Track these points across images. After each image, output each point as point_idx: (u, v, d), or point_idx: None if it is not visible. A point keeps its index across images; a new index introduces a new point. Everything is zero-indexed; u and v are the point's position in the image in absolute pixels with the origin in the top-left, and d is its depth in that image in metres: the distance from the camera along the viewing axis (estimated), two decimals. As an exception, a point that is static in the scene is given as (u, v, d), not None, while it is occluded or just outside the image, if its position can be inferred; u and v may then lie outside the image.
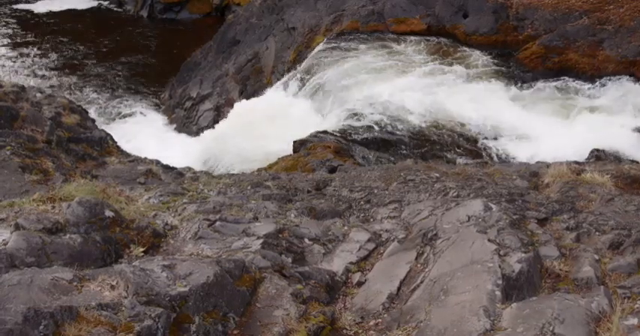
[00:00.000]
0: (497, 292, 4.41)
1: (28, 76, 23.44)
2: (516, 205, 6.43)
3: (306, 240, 5.83)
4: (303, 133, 13.74)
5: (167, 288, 3.88)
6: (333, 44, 17.32)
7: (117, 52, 25.79)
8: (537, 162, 9.87)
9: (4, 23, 29.31)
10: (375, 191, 7.41)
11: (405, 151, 12.96)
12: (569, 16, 15.95)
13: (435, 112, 14.18)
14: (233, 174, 10.30)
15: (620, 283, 4.77)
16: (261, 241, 5.35)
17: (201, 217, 5.79)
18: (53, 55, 25.68)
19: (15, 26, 29.09)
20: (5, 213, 5.09)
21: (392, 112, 14.21)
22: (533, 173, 8.07)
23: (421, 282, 4.92)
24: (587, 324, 3.95)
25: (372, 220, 6.60)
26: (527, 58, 15.78)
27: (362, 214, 6.80)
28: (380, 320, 4.65)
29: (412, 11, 17.67)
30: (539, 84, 15.02)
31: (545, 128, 13.29)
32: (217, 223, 5.68)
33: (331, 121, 14.44)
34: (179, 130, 19.64)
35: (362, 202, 7.14)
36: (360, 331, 4.57)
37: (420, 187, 7.33)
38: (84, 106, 13.72)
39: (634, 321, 3.92)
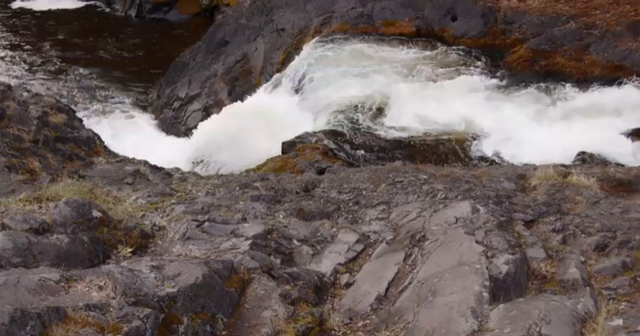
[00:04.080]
0: (485, 294, 4.44)
1: (14, 74, 23.22)
2: (503, 207, 6.47)
3: (295, 241, 5.82)
4: (291, 135, 13.74)
5: (155, 289, 3.87)
6: (322, 45, 17.35)
7: (105, 52, 25.65)
8: (524, 164, 9.92)
9: (-10, 22, 29.03)
10: (364, 193, 7.43)
11: (393, 153, 13.00)
12: (556, 20, 16.10)
13: (423, 113, 14.24)
14: (221, 175, 10.27)
15: (606, 285, 4.82)
16: (249, 242, 5.34)
17: (189, 217, 5.77)
18: (40, 55, 25.47)
19: (1, 26, 28.80)
20: (-9, 213, 5.03)
21: (380, 114, 14.26)
22: (520, 175, 8.13)
23: (409, 283, 4.93)
24: (573, 325, 4.00)
25: (360, 221, 6.61)
26: (514, 61, 15.90)
27: (350, 216, 6.80)
28: (368, 321, 4.66)
29: (401, 14, 17.74)
30: (527, 87, 15.14)
31: (532, 131, 13.39)
32: (206, 223, 5.67)
33: (320, 122, 14.45)
34: (167, 130, 19.54)
35: (350, 204, 7.15)
36: (349, 331, 4.58)
37: (408, 189, 7.36)
38: (71, 106, 13.59)
39: (619, 322, 3.97)
